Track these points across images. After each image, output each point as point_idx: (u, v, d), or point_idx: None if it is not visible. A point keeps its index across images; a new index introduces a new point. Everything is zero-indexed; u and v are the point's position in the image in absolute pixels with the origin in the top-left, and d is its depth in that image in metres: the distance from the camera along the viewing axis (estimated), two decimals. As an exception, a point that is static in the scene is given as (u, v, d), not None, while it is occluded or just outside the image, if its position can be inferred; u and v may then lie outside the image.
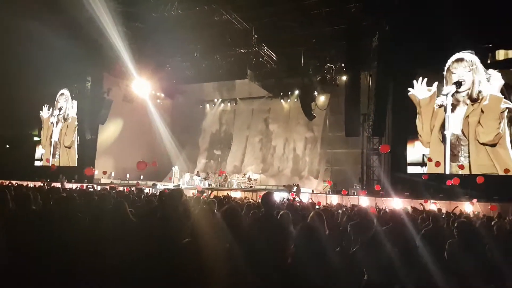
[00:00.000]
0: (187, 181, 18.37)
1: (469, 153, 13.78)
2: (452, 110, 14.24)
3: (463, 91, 14.13)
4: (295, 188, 14.36)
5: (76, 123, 21.48)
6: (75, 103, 21.85)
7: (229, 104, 23.10)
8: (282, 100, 20.72)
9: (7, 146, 23.37)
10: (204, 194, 10.34)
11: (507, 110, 13.28)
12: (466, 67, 14.11)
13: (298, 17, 14.83)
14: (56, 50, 16.67)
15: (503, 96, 13.36)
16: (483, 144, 13.53)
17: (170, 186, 15.59)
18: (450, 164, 14.05)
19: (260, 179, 19.57)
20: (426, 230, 4.05)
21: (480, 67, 13.85)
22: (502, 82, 13.43)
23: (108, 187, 11.36)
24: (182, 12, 14.78)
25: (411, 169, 14.92)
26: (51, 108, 22.98)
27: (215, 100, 23.40)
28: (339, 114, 16.77)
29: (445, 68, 14.47)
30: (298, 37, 16.10)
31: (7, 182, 11.47)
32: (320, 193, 15.85)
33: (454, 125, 14.15)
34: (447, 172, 13.89)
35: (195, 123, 23.62)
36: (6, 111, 20.63)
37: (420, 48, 13.66)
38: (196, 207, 4.06)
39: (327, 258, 2.16)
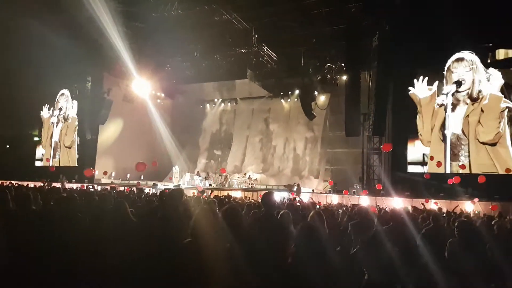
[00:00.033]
0: (188, 181, 18.37)
1: (469, 152, 13.78)
2: (452, 110, 14.24)
3: (463, 91, 14.13)
4: (295, 188, 14.36)
5: (76, 123, 21.49)
6: (75, 103, 21.86)
7: (229, 104, 23.10)
8: (282, 100, 20.71)
9: (8, 146, 23.37)
10: (205, 194, 10.34)
11: (507, 109, 13.27)
12: (466, 66, 14.10)
13: (298, 17, 14.82)
14: (57, 50, 16.68)
15: (503, 96, 13.36)
16: (483, 143, 13.53)
17: (170, 186, 15.60)
18: (450, 163, 14.06)
19: (260, 178, 19.57)
20: (427, 230, 4.05)
21: (480, 66, 13.85)
22: (502, 81, 13.43)
23: (108, 187, 11.37)
24: (182, 12, 14.78)
25: (411, 169, 14.92)
26: (52, 108, 22.99)
27: (215, 100, 23.40)
28: (339, 113, 16.77)
29: (445, 67, 14.47)
30: (298, 37, 16.09)
31: (7, 183, 11.47)
32: (321, 192, 15.85)
33: (454, 124, 14.14)
34: (448, 171, 13.89)
35: (195, 123, 23.62)
36: (7, 111, 20.65)
37: (420, 48, 13.66)
38: (196, 207, 4.06)
39: (328, 258, 2.16)
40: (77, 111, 21.57)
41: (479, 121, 13.66)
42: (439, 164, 13.34)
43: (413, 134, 14.95)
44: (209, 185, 17.88)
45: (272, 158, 21.12)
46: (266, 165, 21.07)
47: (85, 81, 20.33)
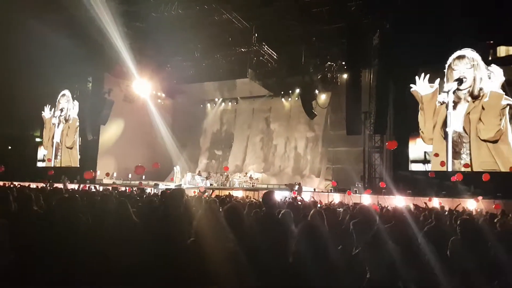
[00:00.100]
0: (189, 180, 18.39)
1: (470, 150, 13.74)
2: (454, 107, 14.21)
3: (464, 89, 14.09)
4: (296, 187, 14.36)
5: (78, 123, 21.52)
6: (76, 103, 21.89)
7: (230, 103, 23.09)
8: (283, 99, 20.69)
9: (10, 147, 23.43)
10: (206, 194, 10.35)
11: (508, 106, 13.23)
12: (467, 64, 14.06)
13: (298, 16, 14.78)
14: (57, 50, 16.71)
15: (504, 93, 13.32)
16: (484, 140, 13.50)
17: (172, 186, 15.62)
18: (452, 161, 14.03)
19: (261, 178, 19.58)
20: (429, 228, 4.04)
21: (481, 64, 13.81)
22: (503, 78, 13.38)
23: (110, 188, 11.38)
24: (182, 11, 14.76)
25: (413, 167, 14.90)
26: (53, 109, 23.03)
27: (216, 99, 23.39)
28: (340, 112, 16.74)
29: (446, 65, 14.43)
30: (299, 35, 16.06)
31: (9, 183, 11.48)
32: (322, 191, 15.84)
33: (456, 122, 14.11)
34: (450, 169, 13.86)
35: (196, 123, 23.63)
36: (8, 112, 20.68)
37: (421, 46, 13.61)
38: (198, 207, 4.06)
39: (329, 257, 2.16)
40: (78, 112, 21.60)
41: (480, 119, 13.63)
42: (442, 163, 13.36)
43: (414, 132, 14.92)
44: (211, 184, 17.90)
45: (273, 157, 21.12)
46: (267, 164, 21.07)
47: (86, 82, 20.36)
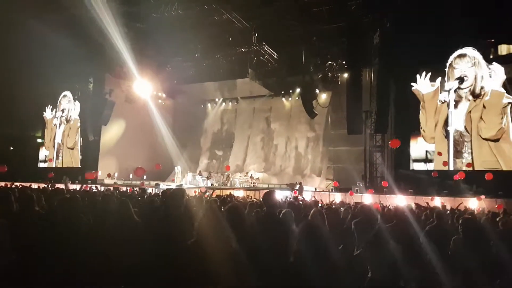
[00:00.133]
0: (190, 180, 18.41)
1: (471, 149, 13.71)
2: (455, 106, 14.17)
3: (465, 87, 14.05)
4: (297, 187, 14.35)
5: (79, 124, 21.57)
6: (77, 104, 21.93)
7: (230, 103, 23.11)
8: (283, 99, 20.68)
9: (11, 148, 23.49)
10: (207, 194, 10.36)
11: (509, 105, 13.19)
12: (468, 62, 14.03)
13: (298, 15, 14.77)
14: (58, 51, 16.74)
15: (505, 91, 13.28)
16: (485, 139, 13.46)
17: (172, 186, 15.64)
18: (454, 160, 14.00)
19: (262, 177, 19.58)
20: (430, 227, 4.03)
21: (483, 62, 13.77)
22: (504, 77, 13.34)
23: (111, 188, 11.40)
24: (182, 12, 14.77)
25: (414, 166, 14.87)
26: (54, 110, 23.08)
27: (217, 99, 23.41)
28: (341, 111, 16.72)
29: (447, 64, 14.40)
30: (299, 35, 16.05)
31: (10, 184, 11.52)
32: (323, 191, 15.83)
33: (457, 121, 14.08)
34: (451, 168, 13.84)
35: (197, 123, 23.65)
36: (10, 112, 20.73)
37: (422, 45, 13.58)
38: (198, 207, 4.06)
39: (330, 256, 2.15)
40: (79, 112, 21.64)
41: (481, 117, 13.59)
42: (445, 163, 13.35)
43: (415, 131, 14.89)
44: (211, 184, 17.91)
45: (274, 157, 21.12)
46: (268, 164, 21.07)
47: (87, 82, 20.39)
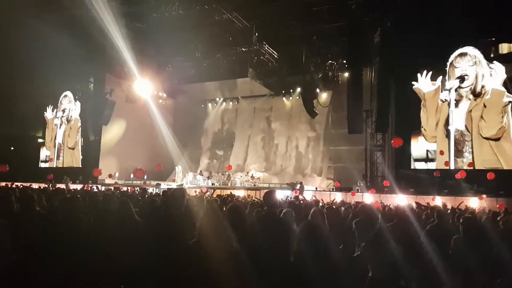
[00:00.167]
0: (191, 180, 18.43)
1: (472, 148, 13.69)
2: (456, 105, 14.15)
3: (466, 86, 14.03)
4: (298, 186, 14.35)
5: (80, 124, 21.59)
6: (78, 104, 21.95)
7: (231, 103, 23.11)
8: (284, 98, 20.68)
9: (12, 148, 23.53)
10: (207, 193, 10.37)
11: (510, 103, 13.16)
12: (469, 61, 14.00)
13: (299, 15, 14.77)
14: (59, 50, 16.76)
15: (505, 90, 13.25)
16: (486, 138, 13.43)
17: (173, 186, 15.65)
18: (455, 159, 13.98)
19: (263, 177, 19.58)
20: (431, 226, 4.02)
21: (483, 61, 13.74)
22: (505, 76, 13.31)
23: (112, 188, 11.42)
24: (182, 12, 14.77)
25: (415, 165, 14.85)
26: (55, 110, 23.11)
27: (217, 99, 23.41)
28: (342, 111, 16.71)
29: (448, 63, 14.37)
30: (299, 34, 16.03)
31: (11, 184, 11.54)
32: (324, 190, 15.83)
33: (458, 120, 14.06)
34: (452, 167, 13.82)
35: (197, 123, 23.66)
36: (10, 112, 20.75)
37: (423, 44, 13.56)
38: (199, 206, 4.06)
39: (331, 256, 2.15)
40: (80, 112, 21.66)
41: (481, 117, 13.56)
42: (446, 163, 13.36)
43: (416, 130, 14.87)
44: (212, 184, 17.92)
45: (275, 156, 21.12)
46: (268, 163, 21.08)
47: (87, 82, 20.41)
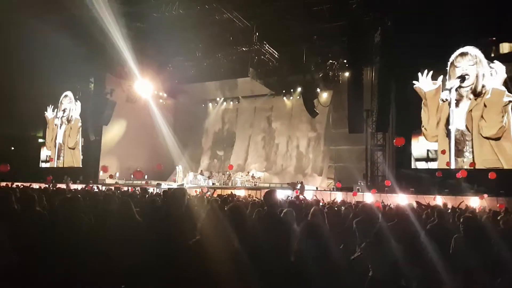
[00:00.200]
0: (191, 180, 18.44)
1: (472, 148, 13.68)
2: (456, 105, 14.14)
3: (466, 86, 14.02)
4: (299, 186, 14.35)
5: (80, 124, 21.61)
6: (78, 104, 21.97)
7: (231, 102, 23.11)
8: (284, 98, 20.67)
9: (12, 148, 23.55)
10: (208, 193, 10.38)
11: (510, 103, 13.15)
12: (470, 60, 13.98)
13: (299, 14, 14.76)
14: (59, 50, 16.76)
15: (506, 90, 13.24)
16: (486, 138, 13.42)
17: (174, 186, 15.66)
18: (455, 159, 13.97)
19: (263, 177, 19.58)
20: (432, 226, 4.02)
21: (484, 61, 13.72)
22: (505, 75, 13.29)
23: (113, 188, 11.43)
24: (183, 11, 14.76)
25: (415, 164, 14.85)
26: (56, 110, 23.14)
27: (218, 99, 23.41)
28: (342, 110, 16.69)
29: (449, 62, 14.36)
30: (300, 34, 16.01)
31: (11, 184, 11.55)
32: (325, 190, 15.82)
33: (458, 120, 14.05)
34: (453, 167, 13.81)
35: (198, 123, 23.67)
36: (10, 112, 20.77)
37: (423, 43, 13.54)
38: (200, 206, 4.06)
39: (331, 256, 2.15)
40: (81, 112, 21.67)
41: (482, 116, 13.55)
42: (448, 164, 13.39)
43: (417, 129, 14.86)
44: (213, 184, 17.92)
45: (275, 156, 21.12)
46: (269, 163, 21.08)
47: (88, 82, 20.42)
